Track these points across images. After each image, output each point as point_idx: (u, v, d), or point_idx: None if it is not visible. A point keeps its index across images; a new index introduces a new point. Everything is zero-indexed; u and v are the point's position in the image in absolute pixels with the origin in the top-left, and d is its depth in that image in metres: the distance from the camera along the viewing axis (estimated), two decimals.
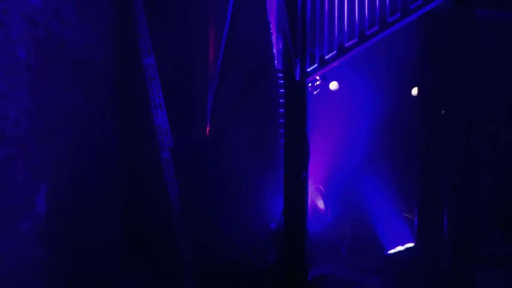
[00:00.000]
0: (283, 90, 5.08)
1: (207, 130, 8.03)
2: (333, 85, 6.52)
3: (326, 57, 4.90)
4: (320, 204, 7.09)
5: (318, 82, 5.27)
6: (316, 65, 4.91)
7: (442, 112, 4.99)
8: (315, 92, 5.31)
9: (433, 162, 5.23)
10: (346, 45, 4.81)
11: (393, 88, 6.46)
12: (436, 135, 5.21)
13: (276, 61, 5.50)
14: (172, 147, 7.35)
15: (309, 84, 5.02)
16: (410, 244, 5.66)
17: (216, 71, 7.74)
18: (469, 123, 5.10)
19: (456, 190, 5.09)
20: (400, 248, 5.79)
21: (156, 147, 7.29)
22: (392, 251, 5.90)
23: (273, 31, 5.71)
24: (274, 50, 5.63)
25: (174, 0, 7.74)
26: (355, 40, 4.77)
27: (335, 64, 4.88)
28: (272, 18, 5.75)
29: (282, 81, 5.09)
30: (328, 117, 6.59)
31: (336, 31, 4.78)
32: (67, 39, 5.30)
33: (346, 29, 4.77)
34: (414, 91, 6.05)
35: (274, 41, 5.69)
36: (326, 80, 5.31)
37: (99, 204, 6.16)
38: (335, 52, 4.86)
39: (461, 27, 4.75)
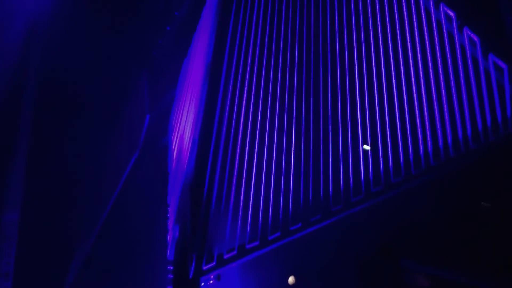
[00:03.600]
0: (170, 287, 4.45)
1: None
2: None
3: (225, 256, 4.57)
4: None
5: (211, 282, 4.77)
6: (213, 263, 4.52)
7: None
8: None
9: None
10: (247, 246, 4.59)
11: None
12: None
13: (168, 250, 4.99)
14: None
15: (202, 284, 4.51)
16: None
17: (90, 241, 6.86)
18: None
19: None
20: None
21: None
22: None
23: (171, 215, 5.35)
24: (169, 237, 5.17)
25: (60, 157, 7.22)
26: (257, 243, 4.59)
27: (234, 264, 4.54)
28: (173, 201, 5.46)
29: (171, 276, 4.51)
30: None
31: (238, 230, 4.60)
32: None
33: (248, 231, 4.61)
34: (291, 279, 5.78)
35: (170, 227, 5.28)
36: (220, 281, 4.85)
37: None
38: (235, 252, 4.57)
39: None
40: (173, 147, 6.48)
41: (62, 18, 9.17)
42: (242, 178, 4.83)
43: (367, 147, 4.81)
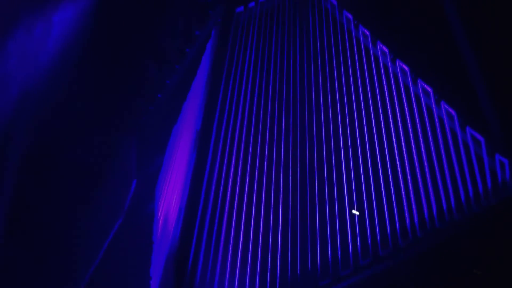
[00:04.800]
0: None
1: None
2: None
3: None
4: None
5: None
6: None
7: None
8: None
9: None
10: None
11: None
12: None
13: None
14: None
15: None
16: None
17: None
18: None
19: None
20: None
21: None
22: None
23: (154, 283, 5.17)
24: None
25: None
26: None
27: None
28: (156, 273, 5.29)
29: None
30: None
31: None
32: None
33: None
34: None
35: None
36: None
37: None
38: None
39: None
40: (159, 215, 6.40)
41: (55, 85, 9.40)
42: (229, 251, 4.75)
43: (355, 212, 4.85)
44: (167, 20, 10.05)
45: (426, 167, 5.13)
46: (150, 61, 10.18)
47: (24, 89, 8.81)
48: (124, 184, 8.50)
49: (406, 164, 5.15)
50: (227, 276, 4.60)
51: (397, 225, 4.79)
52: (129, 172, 8.73)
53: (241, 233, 4.82)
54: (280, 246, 4.66)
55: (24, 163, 8.28)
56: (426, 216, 4.78)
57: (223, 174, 5.34)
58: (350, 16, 6.89)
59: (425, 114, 5.56)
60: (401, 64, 6.10)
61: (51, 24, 9.46)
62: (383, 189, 4.96)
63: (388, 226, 4.77)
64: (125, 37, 10.45)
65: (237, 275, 4.61)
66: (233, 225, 4.90)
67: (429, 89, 5.76)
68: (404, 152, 5.28)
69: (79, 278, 6.98)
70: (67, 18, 9.72)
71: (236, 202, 5.04)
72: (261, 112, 5.98)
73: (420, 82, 5.84)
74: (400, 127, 5.49)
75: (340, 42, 6.67)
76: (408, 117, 5.56)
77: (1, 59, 7.87)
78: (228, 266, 4.64)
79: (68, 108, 9.69)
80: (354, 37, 6.65)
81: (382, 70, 6.14)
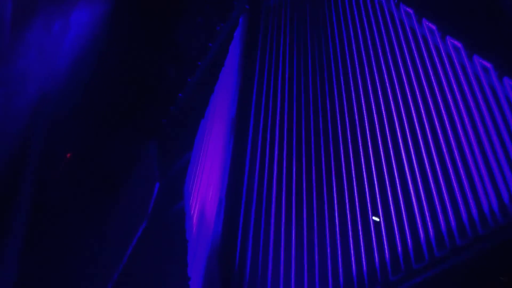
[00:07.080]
0: None
1: None
2: None
3: None
4: None
5: None
6: None
7: None
8: None
9: None
10: None
11: None
12: None
13: None
14: None
15: None
16: None
17: None
18: None
19: None
20: None
21: None
22: None
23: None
24: None
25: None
26: None
27: None
28: (196, 272, 4.71)
29: None
30: None
31: None
32: None
33: None
34: None
35: None
36: None
37: None
38: None
39: None
40: (192, 211, 5.85)
41: (72, 87, 9.07)
42: (281, 241, 4.15)
43: (376, 219, 4.19)
44: (186, 18, 9.74)
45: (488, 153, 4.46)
46: (169, 61, 9.82)
47: (41, 90, 8.47)
48: (147, 187, 7.99)
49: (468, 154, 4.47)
50: (281, 271, 4.00)
51: (431, 234, 4.06)
52: (151, 175, 8.23)
53: (293, 220, 4.23)
54: (339, 234, 4.03)
55: (43, 166, 7.88)
56: (466, 222, 4.08)
57: (266, 159, 4.79)
58: (410, 10, 6.12)
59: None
60: (481, 60, 5.32)
61: (68, 24, 9.19)
62: (421, 188, 4.26)
63: (421, 235, 4.05)
64: (142, 38, 10.13)
65: (292, 270, 4.01)
66: (283, 213, 4.32)
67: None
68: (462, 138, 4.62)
69: (103, 283, 6.42)
70: (84, 20, 9.46)
71: (284, 186, 4.47)
72: (302, 95, 5.45)
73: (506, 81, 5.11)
74: (463, 111, 4.80)
75: (402, 38, 5.89)
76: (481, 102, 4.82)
77: (21, 50, 7.54)
78: (282, 259, 4.05)
79: (86, 111, 9.33)
80: (419, 33, 5.81)
81: (459, 69, 5.38)
